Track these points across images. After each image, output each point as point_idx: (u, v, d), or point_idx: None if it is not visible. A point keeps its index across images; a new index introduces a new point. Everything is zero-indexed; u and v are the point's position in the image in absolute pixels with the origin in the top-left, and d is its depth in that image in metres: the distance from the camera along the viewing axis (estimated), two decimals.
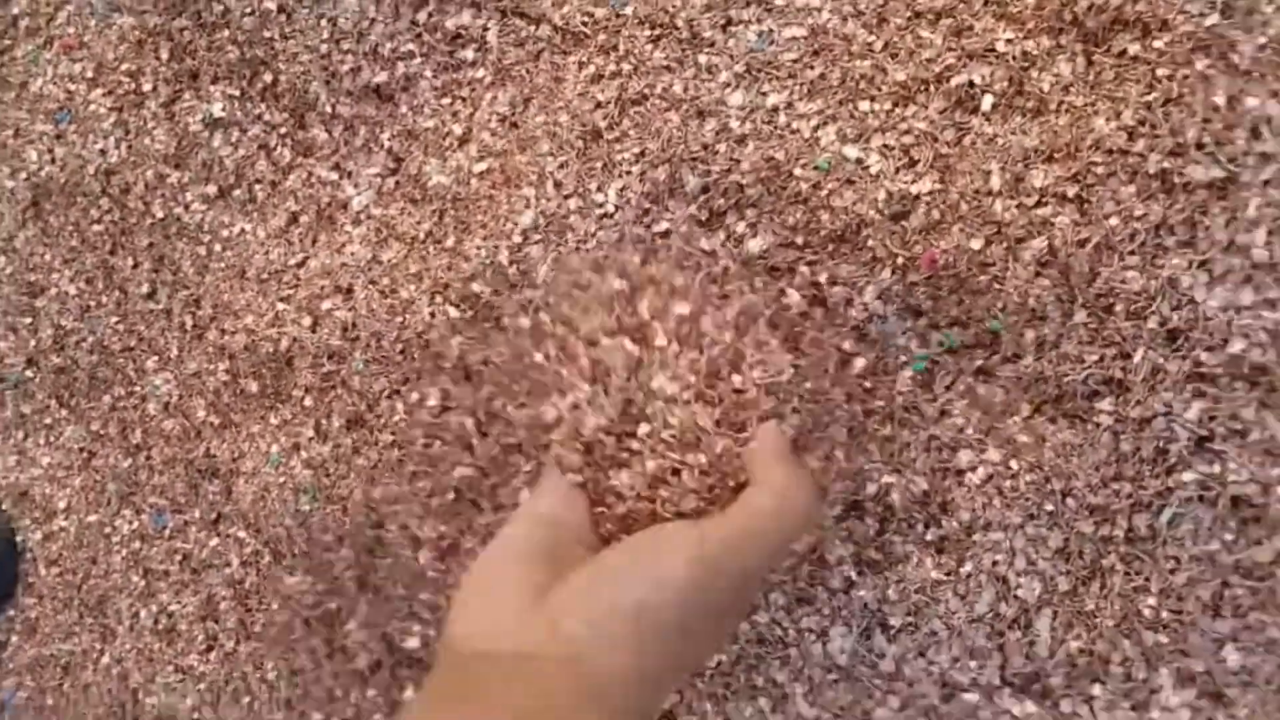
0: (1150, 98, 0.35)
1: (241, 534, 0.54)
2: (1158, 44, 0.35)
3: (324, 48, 0.51)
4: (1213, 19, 0.34)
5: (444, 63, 0.49)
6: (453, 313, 0.45)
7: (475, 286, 0.44)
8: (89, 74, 0.58)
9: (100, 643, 0.59)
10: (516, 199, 0.45)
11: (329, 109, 0.51)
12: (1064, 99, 0.36)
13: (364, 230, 0.50)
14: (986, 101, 0.38)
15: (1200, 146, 0.35)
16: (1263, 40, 0.34)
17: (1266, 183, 0.34)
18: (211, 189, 0.55)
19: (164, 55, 0.56)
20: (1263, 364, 0.33)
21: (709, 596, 0.32)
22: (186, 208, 0.56)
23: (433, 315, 0.46)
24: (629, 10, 0.45)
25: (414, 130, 0.49)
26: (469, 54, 0.49)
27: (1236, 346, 0.34)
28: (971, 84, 0.38)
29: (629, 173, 0.42)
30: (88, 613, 0.60)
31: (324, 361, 0.50)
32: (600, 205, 0.43)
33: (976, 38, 0.38)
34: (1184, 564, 0.34)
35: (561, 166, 0.44)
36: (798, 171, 0.40)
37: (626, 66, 0.44)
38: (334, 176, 0.51)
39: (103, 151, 0.58)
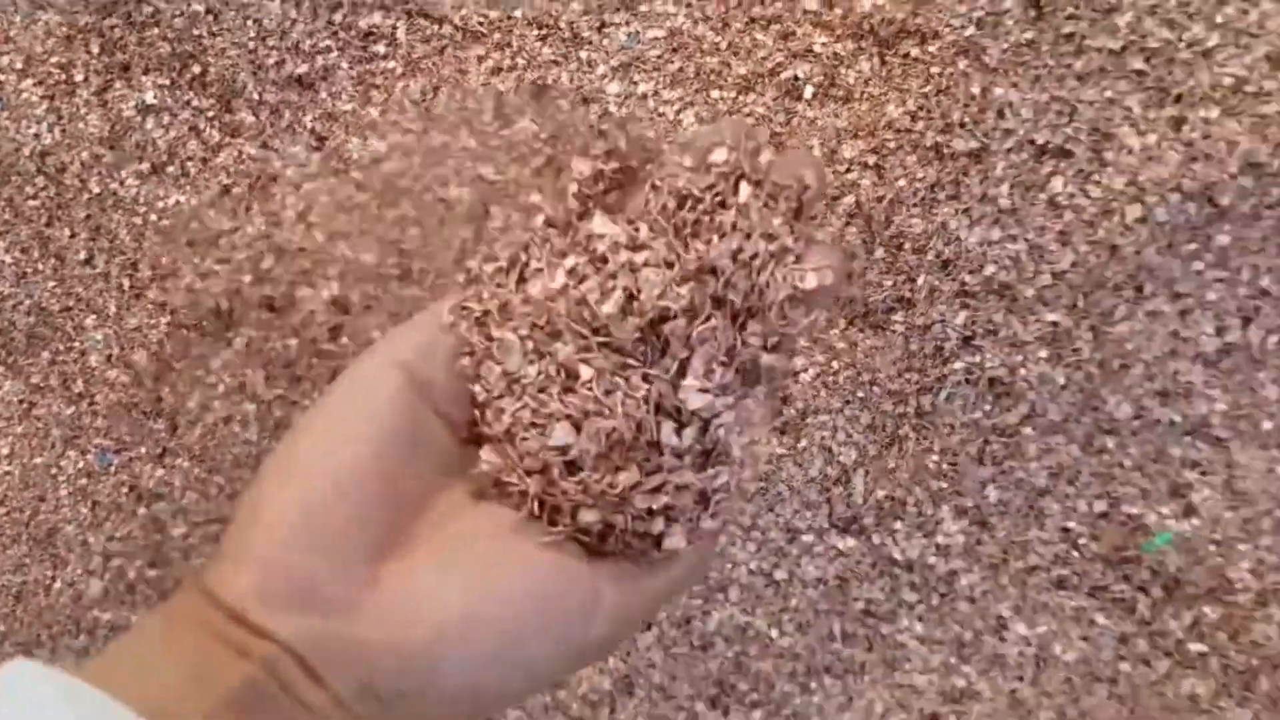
0: (927, 89, 0.47)
1: (187, 464, 0.62)
2: (931, 49, 0.47)
3: (250, 44, 0.59)
4: (970, 30, 0.46)
5: (358, 56, 0.58)
6: (386, 262, 0.55)
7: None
8: (18, 65, 0.65)
9: (51, 570, 0.67)
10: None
11: (255, 96, 0.60)
12: (865, 90, 0.48)
13: (294, 199, 0.59)
14: (808, 91, 0.49)
15: (962, 125, 0.47)
16: (1005, 45, 0.46)
17: (1009, 150, 0.46)
18: (145, 166, 0.63)
19: (94, 49, 0.64)
20: (1008, 282, 0.46)
21: (579, 663, 0.27)
22: (122, 183, 0.63)
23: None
24: (518, 13, 0.55)
25: (333, 113, 0.58)
26: (380, 48, 0.58)
27: (989, 270, 0.46)
28: (796, 77, 0.49)
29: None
30: (36, 546, 0.67)
31: (264, 313, 0.58)
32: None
33: (798, 41, 0.50)
34: (956, 429, 0.47)
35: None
36: (665, 146, 0.51)
37: (520, 61, 0.54)
38: (262, 153, 0.60)
39: (36, 135, 0.65)
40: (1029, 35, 0.46)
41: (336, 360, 0.57)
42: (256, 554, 0.25)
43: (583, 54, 0.54)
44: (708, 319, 0.29)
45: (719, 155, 0.31)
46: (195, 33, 0.60)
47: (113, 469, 0.64)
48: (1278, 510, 0.46)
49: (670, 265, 0.30)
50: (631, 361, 0.29)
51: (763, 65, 0.50)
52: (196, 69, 0.60)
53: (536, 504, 0.29)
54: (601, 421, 0.29)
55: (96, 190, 0.63)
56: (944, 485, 0.47)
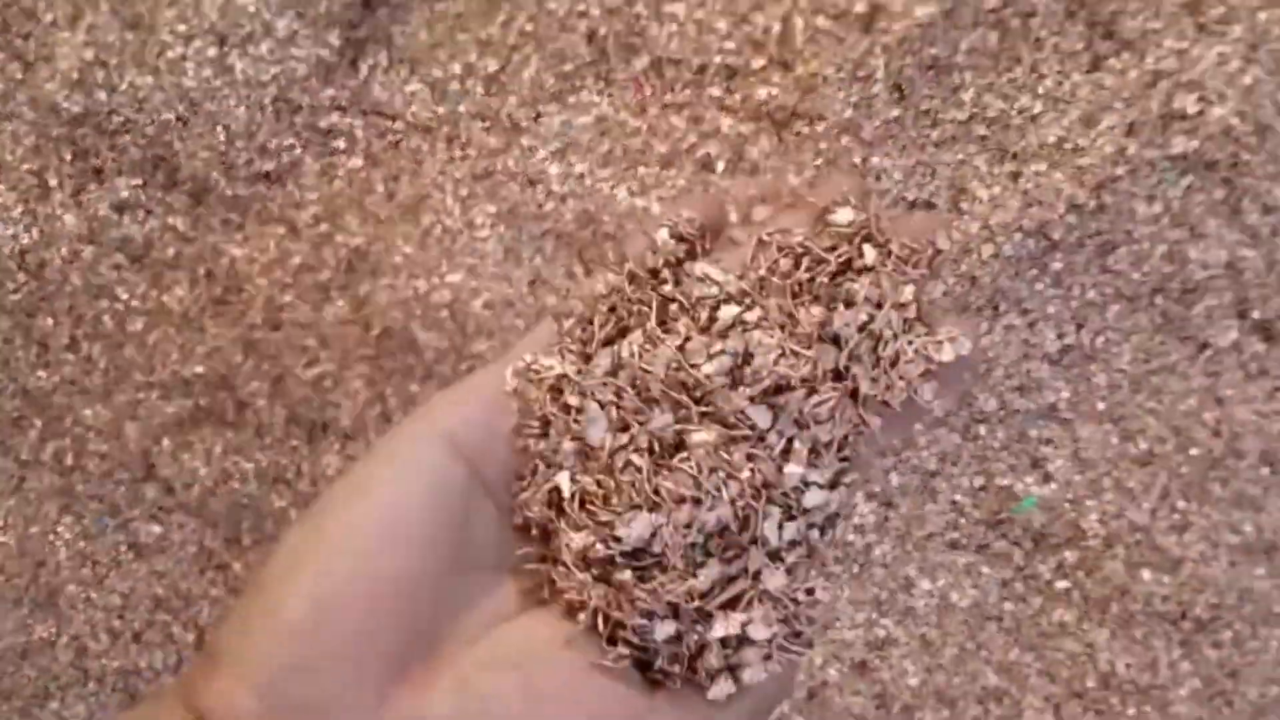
0: (818, 161, 0.58)
1: (185, 519, 0.70)
2: (819, 128, 0.58)
3: (220, 146, 0.67)
4: (849, 112, 0.58)
5: (321, 151, 0.67)
6: (367, 340, 0.63)
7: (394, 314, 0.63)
8: None
9: (55, 627, 0.73)
10: (396, 248, 0.64)
11: (227, 192, 0.68)
12: (766, 164, 0.59)
13: (268, 284, 0.67)
14: (720, 165, 0.60)
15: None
16: (877, 123, 0.58)
17: (887, 206, 0.58)
18: (122, 258, 0.70)
19: (66, 156, 0.70)
20: None
21: None
22: (102, 275, 0.70)
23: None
24: (462, 108, 0.65)
25: (301, 203, 0.67)
26: (341, 144, 0.66)
27: None
28: (709, 154, 0.60)
29: (489, 226, 0.62)
30: (39, 608, 0.73)
31: (262, 384, 0.66)
32: (479, 243, 0.62)
33: (707, 123, 0.61)
34: None
35: (434, 224, 0.63)
36: (605, 218, 0.61)
37: (471, 151, 0.64)
38: (234, 250, 0.68)
39: (14, 236, 0.71)
40: (895, 113, 0.57)
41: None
42: (259, 664, 0.22)
43: (524, 141, 0.63)
44: (827, 394, 0.26)
45: (844, 216, 0.29)
46: (166, 139, 0.67)
47: (109, 529, 0.71)
48: (1114, 472, 0.58)
49: (781, 328, 0.27)
50: (738, 436, 0.26)
51: (679, 145, 0.61)
52: (169, 171, 0.68)
53: (597, 616, 0.25)
54: (702, 511, 0.25)
55: (78, 282, 0.70)
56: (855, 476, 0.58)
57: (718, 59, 0.61)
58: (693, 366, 0.27)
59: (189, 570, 0.69)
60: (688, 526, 0.25)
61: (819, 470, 0.27)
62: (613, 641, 0.25)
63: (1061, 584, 0.59)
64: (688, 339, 0.27)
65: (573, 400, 0.27)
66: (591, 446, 0.26)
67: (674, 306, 0.28)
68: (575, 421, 0.27)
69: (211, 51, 0.66)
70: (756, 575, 0.26)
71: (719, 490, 0.26)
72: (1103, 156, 0.55)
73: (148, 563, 0.70)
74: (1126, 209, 0.55)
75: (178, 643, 0.70)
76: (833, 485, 0.27)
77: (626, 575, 0.25)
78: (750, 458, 0.26)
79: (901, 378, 0.27)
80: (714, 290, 0.28)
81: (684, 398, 0.27)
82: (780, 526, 0.26)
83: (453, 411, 0.26)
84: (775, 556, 0.26)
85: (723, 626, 0.25)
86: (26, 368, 0.72)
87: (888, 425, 0.27)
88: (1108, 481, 0.58)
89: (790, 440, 0.26)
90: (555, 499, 0.27)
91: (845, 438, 0.27)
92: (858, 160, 0.57)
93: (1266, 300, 0.56)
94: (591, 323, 0.29)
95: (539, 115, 0.63)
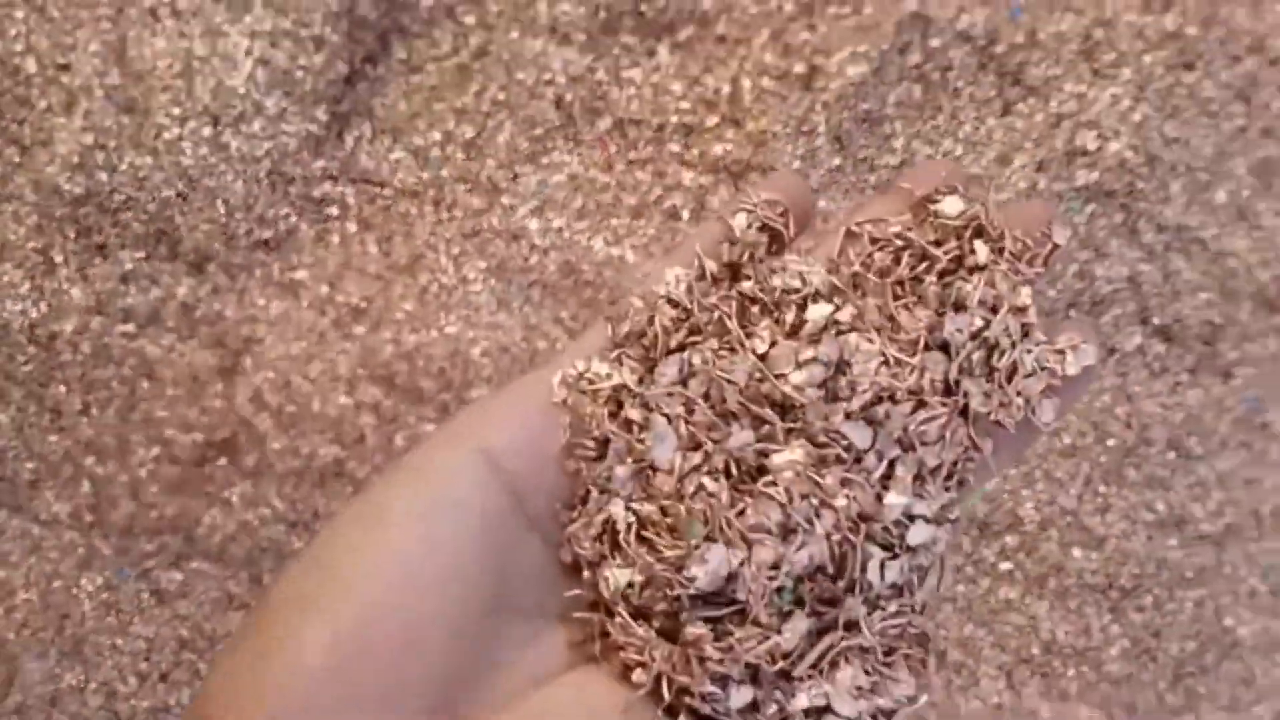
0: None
1: (205, 566, 0.75)
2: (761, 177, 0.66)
3: (221, 219, 0.73)
4: (796, 163, 0.65)
5: (316, 218, 0.73)
6: (374, 390, 0.69)
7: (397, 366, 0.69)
8: None
9: (84, 674, 0.78)
10: (397, 304, 0.70)
11: (229, 260, 0.73)
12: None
13: (274, 341, 0.73)
14: (685, 214, 0.67)
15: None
16: (822, 171, 0.65)
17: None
18: (131, 327, 0.75)
19: (70, 234, 0.76)
20: None
21: None
22: (110, 342, 0.75)
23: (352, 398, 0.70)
24: (444, 173, 0.71)
25: (300, 266, 0.73)
26: (334, 210, 0.73)
27: None
28: (674, 205, 0.68)
29: (481, 280, 0.69)
30: (65, 657, 0.78)
31: (268, 440, 0.72)
32: (473, 295, 0.69)
33: (670, 177, 0.68)
34: None
35: (430, 281, 0.70)
36: (585, 267, 0.68)
37: (458, 212, 0.71)
38: (239, 313, 0.73)
39: (23, 311, 0.76)
40: (837, 161, 0.65)
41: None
42: (268, 709, 0.19)
43: (504, 200, 0.70)
44: (936, 410, 0.22)
45: (953, 206, 0.25)
46: (167, 214, 0.73)
47: (130, 579, 0.76)
48: (1044, 464, 0.67)
49: (879, 331, 0.23)
50: (831, 457, 0.22)
51: (646, 197, 0.68)
52: (170, 243, 0.73)
53: (660, 680, 0.22)
54: (791, 549, 0.21)
55: (88, 350, 0.75)
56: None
57: (675, 118, 0.68)
58: (778, 376, 0.23)
59: (211, 612, 0.75)
60: (774, 567, 0.21)
61: (925, 501, 0.23)
62: (674, 712, 0.22)
63: (1005, 565, 0.67)
64: (772, 344, 0.24)
65: (634, 414, 0.23)
66: (656, 469, 0.22)
67: (754, 307, 0.25)
68: (638, 440, 0.23)
69: (206, 131, 0.71)
70: (850, 627, 0.22)
71: (810, 522, 0.22)
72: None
73: (170, 608, 0.75)
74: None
75: (203, 678, 0.75)
76: (938, 520, 0.23)
77: (700, 629, 0.21)
78: (846, 483, 0.22)
79: (1020, 394, 0.24)
80: (799, 285, 0.24)
81: (767, 412, 0.23)
82: (883, 567, 0.22)
83: (490, 426, 0.22)
84: (873, 605, 0.22)
85: (806, 696, 0.21)
86: (39, 434, 0.76)
87: (999, 449, 0.24)
88: (1039, 473, 0.67)
89: (892, 464, 0.23)
90: (610, 532, 0.23)
91: (954, 463, 0.23)
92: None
93: (1164, 307, 0.65)
94: (653, 324, 0.25)
95: (516, 176, 0.70)
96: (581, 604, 0.23)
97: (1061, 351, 0.26)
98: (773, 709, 0.22)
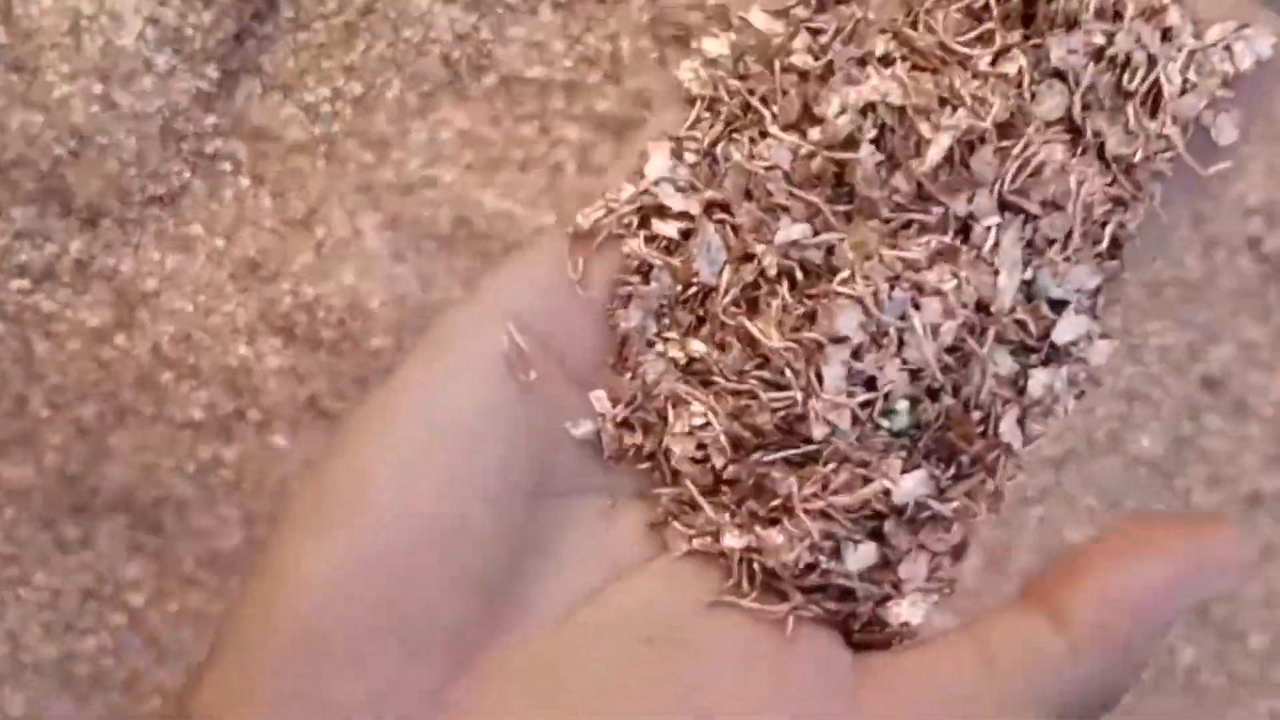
0: None
1: (110, 517, 0.77)
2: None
3: (114, 175, 0.74)
4: None
5: (208, 173, 0.74)
6: (274, 341, 0.72)
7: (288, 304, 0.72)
8: None
9: None
10: (300, 248, 0.73)
11: (122, 216, 0.75)
12: (611, 166, 0.71)
13: (171, 295, 0.74)
14: (570, 169, 0.71)
15: None
16: None
17: None
18: (26, 283, 0.76)
19: None
20: None
21: None
22: (6, 298, 0.76)
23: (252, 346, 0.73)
24: (335, 128, 0.74)
25: (190, 220, 0.75)
26: (227, 165, 0.74)
27: None
28: (560, 161, 0.71)
29: (376, 233, 0.72)
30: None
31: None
32: (368, 251, 0.71)
33: (556, 133, 0.71)
34: None
35: (325, 235, 0.72)
36: (476, 220, 0.72)
37: (350, 166, 0.73)
38: (134, 268, 0.75)
39: None
40: None
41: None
42: (268, 663, 0.17)
43: (395, 155, 0.73)
44: (1049, 138, 0.18)
45: None
46: (59, 171, 0.73)
47: (36, 530, 0.77)
48: None
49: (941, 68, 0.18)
50: (914, 230, 0.18)
51: (533, 152, 0.72)
52: (63, 199, 0.74)
53: (743, 564, 0.19)
54: (887, 358, 0.17)
55: None
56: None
57: (559, 76, 0.72)
58: (830, 149, 0.19)
59: (114, 562, 0.77)
60: (868, 386, 0.18)
61: (1067, 280, 0.18)
62: (783, 593, 0.18)
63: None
64: (806, 116, 0.19)
65: (668, 230, 0.20)
66: (707, 289, 0.19)
67: (791, 85, 0.20)
68: (680, 261, 0.19)
69: (97, 89, 0.72)
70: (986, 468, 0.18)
71: (904, 319, 0.18)
72: None
73: (76, 557, 0.77)
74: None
75: (109, 625, 0.77)
76: (1091, 310, 0.18)
77: (777, 480, 0.17)
78: (944, 258, 0.17)
79: (1174, 120, 0.19)
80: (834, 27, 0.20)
81: (813, 196, 0.19)
82: (1021, 376, 0.17)
83: (513, 286, 0.19)
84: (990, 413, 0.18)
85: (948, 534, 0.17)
86: None
87: (1171, 197, 0.19)
88: None
89: (999, 233, 0.17)
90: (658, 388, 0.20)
91: (1099, 223, 0.18)
92: None
93: None
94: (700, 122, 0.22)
95: (406, 131, 0.73)
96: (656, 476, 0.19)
97: (1228, 47, 0.19)
98: (919, 559, 0.18)
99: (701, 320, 0.21)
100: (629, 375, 0.22)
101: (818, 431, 0.19)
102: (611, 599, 0.19)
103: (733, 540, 0.19)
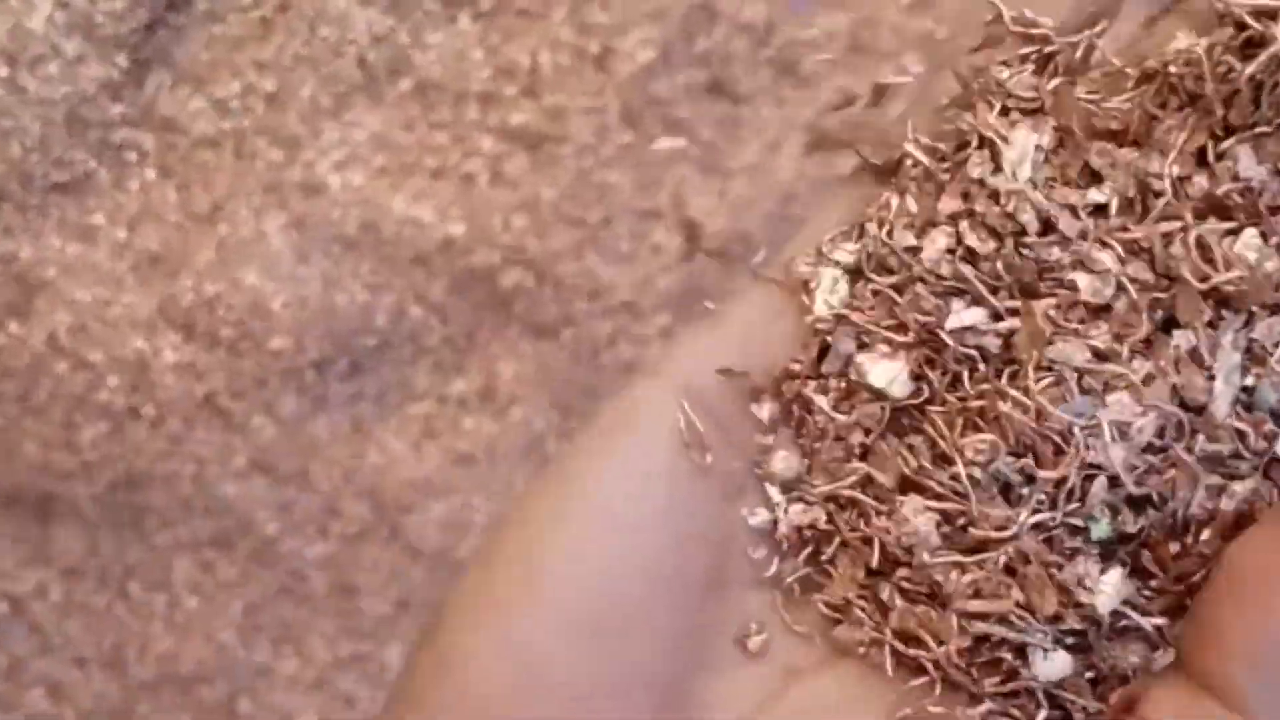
0: (566, 179, 0.70)
1: None
2: (565, 149, 0.70)
3: (16, 159, 0.73)
4: (589, 138, 0.70)
5: (113, 163, 0.73)
6: (173, 337, 0.71)
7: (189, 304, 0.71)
8: None
9: None
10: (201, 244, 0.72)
11: (24, 201, 0.73)
12: (523, 178, 0.71)
13: (69, 284, 0.73)
14: (483, 180, 0.71)
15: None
16: (613, 147, 0.70)
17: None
18: None
19: None
20: None
21: None
22: None
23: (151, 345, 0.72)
24: (245, 124, 0.73)
25: (92, 210, 0.74)
26: (133, 156, 0.73)
27: None
28: (472, 172, 0.71)
29: (281, 233, 0.71)
30: None
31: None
32: (272, 251, 0.71)
33: (470, 143, 0.72)
34: None
35: (230, 232, 0.72)
36: (384, 225, 0.71)
37: (259, 164, 0.72)
38: (34, 254, 0.74)
39: None
40: (626, 138, 0.70)
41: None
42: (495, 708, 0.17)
43: (305, 155, 0.72)
44: None
45: None
46: None
47: None
48: None
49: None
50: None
51: (446, 160, 0.72)
52: None
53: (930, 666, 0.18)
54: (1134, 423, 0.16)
55: None
56: None
57: (475, 86, 0.72)
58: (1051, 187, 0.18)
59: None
60: (1058, 486, 0.17)
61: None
62: (977, 698, 0.18)
63: None
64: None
65: (882, 280, 0.19)
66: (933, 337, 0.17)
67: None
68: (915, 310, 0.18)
69: (2, 71, 0.71)
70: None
71: (1097, 410, 0.17)
72: (788, 175, 0.70)
73: None
74: (808, 216, 0.70)
75: None
76: None
77: (952, 582, 0.17)
78: (1149, 351, 0.17)
79: None
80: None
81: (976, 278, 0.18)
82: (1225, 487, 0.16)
83: (696, 359, 0.19)
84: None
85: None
86: None
87: None
88: None
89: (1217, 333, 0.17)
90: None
91: None
92: (599, 179, 0.69)
93: None
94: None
95: (318, 131, 0.72)
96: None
97: None
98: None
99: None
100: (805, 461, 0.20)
101: (981, 532, 0.18)
102: (790, 702, 0.18)
103: (897, 632, 0.18)
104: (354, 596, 0.71)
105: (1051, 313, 0.18)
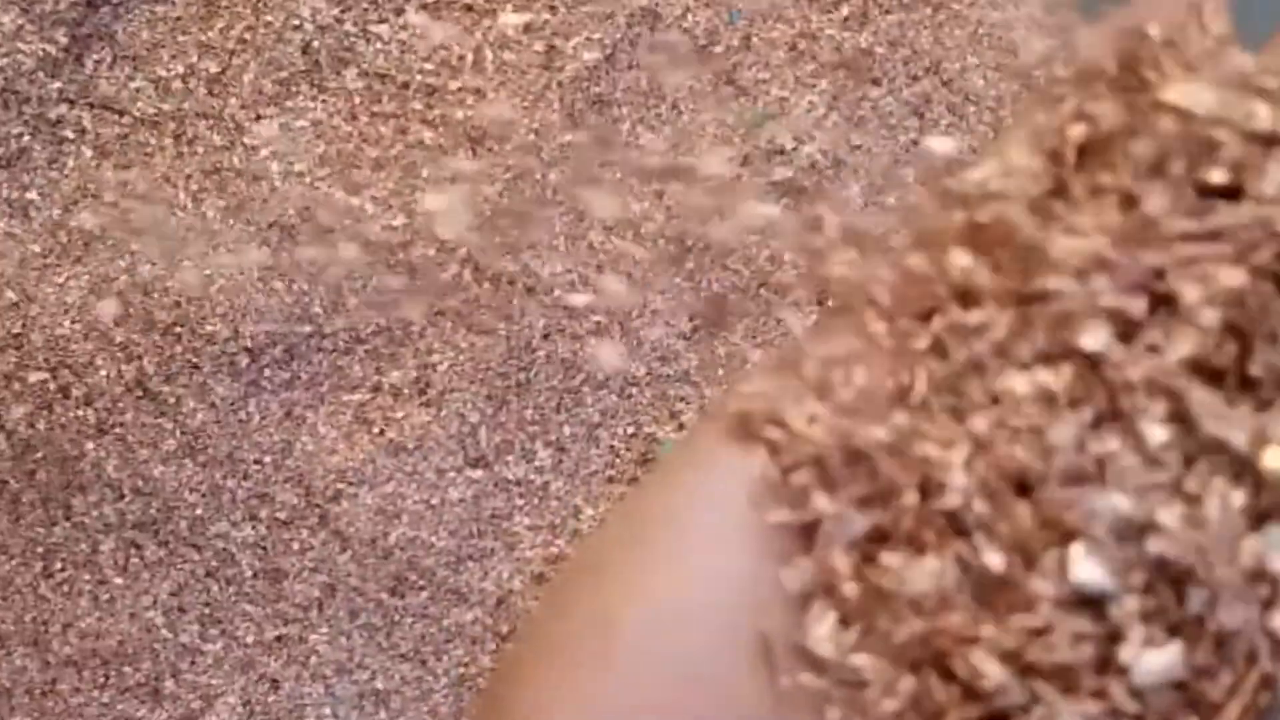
0: (508, 175, 0.71)
1: None
2: (507, 146, 0.71)
3: None
4: (532, 136, 0.71)
5: (50, 140, 0.73)
6: (106, 319, 0.71)
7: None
8: None
9: None
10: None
11: None
12: (470, 174, 0.72)
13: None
14: (424, 173, 0.72)
15: None
16: (555, 146, 0.71)
17: None
18: None
19: None
20: None
21: None
22: None
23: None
24: (186, 106, 0.73)
25: (27, 186, 0.73)
26: (70, 133, 0.73)
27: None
28: (414, 163, 0.72)
29: (220, 219, 0.71)
30: None
31: None
32: (210, 236, 0.71)
33: (412, 135, 0.72)
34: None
35: (168, 215, 0.72)
36: (323, 214, 0.72)
37: (199, 147, 0.72)
38: None
39: None
40: (569, 138, 0.71)
41: None
42: None
43: (246, 140, 0.72)
44: None
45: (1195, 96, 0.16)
46: None
47: None
48: None
49: None
50: None
51: (388, 151, 0.72)
52: None
53: None
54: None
55: None
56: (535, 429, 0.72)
57: (419, 78, 0.72)
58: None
59: None
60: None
61: None
62: None
63: None
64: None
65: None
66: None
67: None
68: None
69: None
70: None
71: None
72: (723, 181, 0.72)
73: None
74: (739, 223, 0.72)
75: None
76: None
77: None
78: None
79: None
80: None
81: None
82: None
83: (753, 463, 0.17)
84: None
85: None
86: None
87: None
88: None
89: None
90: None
91: None
92: (539, 176, 0.70)
93: None
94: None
95: (259, 117, 0.73)
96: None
97: None
98: None
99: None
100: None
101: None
102: None
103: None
104: (281, 580, 0.72)
105: None
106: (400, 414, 0.71)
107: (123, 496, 0.71)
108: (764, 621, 0.16)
